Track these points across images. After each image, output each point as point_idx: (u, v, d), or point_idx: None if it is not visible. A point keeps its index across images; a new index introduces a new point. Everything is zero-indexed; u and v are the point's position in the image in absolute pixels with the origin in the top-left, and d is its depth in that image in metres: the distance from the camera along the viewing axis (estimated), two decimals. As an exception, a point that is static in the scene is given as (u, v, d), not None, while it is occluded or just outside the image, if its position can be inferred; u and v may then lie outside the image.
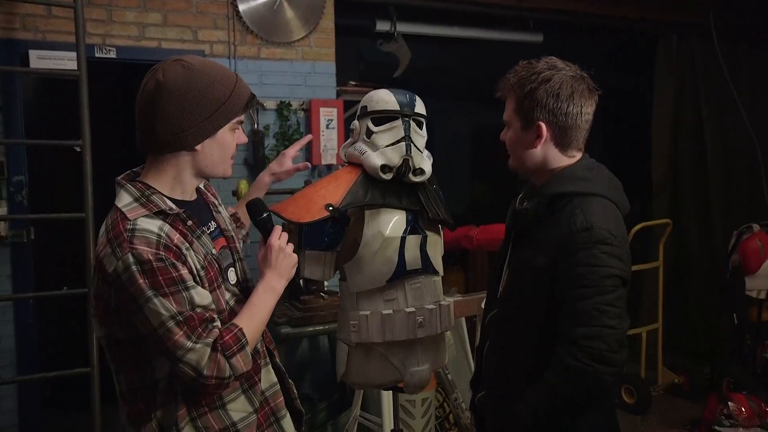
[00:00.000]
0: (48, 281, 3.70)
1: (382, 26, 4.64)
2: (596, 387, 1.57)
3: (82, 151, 3.26)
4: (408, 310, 2.15)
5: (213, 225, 1.74)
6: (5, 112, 3.52)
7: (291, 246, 1.75)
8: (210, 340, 1.49)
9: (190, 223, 1.61)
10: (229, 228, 1.81)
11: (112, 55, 3.72)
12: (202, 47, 3.92)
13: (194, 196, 1.72)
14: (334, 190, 2.13)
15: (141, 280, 1.45)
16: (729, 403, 3.89)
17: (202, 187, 1.82)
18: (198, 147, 1.60)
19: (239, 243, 1.84)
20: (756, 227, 4.47)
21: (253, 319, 1.63)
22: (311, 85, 4.22)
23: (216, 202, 1.85)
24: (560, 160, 1.76)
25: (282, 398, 1.80)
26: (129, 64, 3.89)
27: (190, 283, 1.51)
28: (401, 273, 2.13)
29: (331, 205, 2.07)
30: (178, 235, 1.55)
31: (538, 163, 1.77)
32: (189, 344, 1.47)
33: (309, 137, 2.43)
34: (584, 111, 1.72)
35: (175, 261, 1.50)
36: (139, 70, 4.59)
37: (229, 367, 1.51)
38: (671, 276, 5.33)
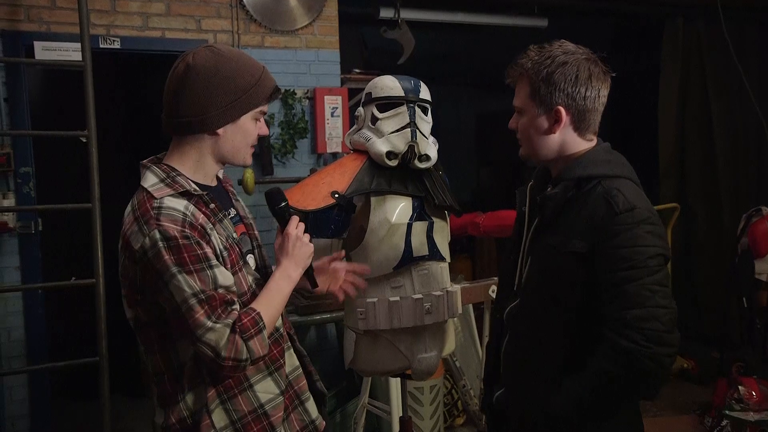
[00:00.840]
0: (56, 272, 3.72)
1: (386, 13, 4.62)
2: (656, 369, 1.53)
3: (88, 141, 3.26)
4: (415, 296, 2.15)
5: (233, 211, 1.78)
6: (11, 103, 3.52)
7: (308, 236, 1.77)
8: (230, 321, 1.52)
9: (212, 206, 1.64)
10: (248, 216, 1.85)
11: (117, 45, 3.72)
12: (205, 37, 3.91)
13: (215, 182, 1.75)
14: (340, 178, 2.13)
15: (167, 257, 1.49)
16: (739, 387, 3.87)
17: (221, 176, 1.85)
18: (220, 131, 1.64)
19: (257, 232, 1.86)
20: (765, 210, 4.44)
21: (271, 304, 1.65)
22: (315, 74, 4.21)
23: (233, 191, 1.88)
24: (579, 144, 1.73)
25: (305, 381, 1.82)
26: (133, 54, 3.89)
27: (214, 261, 1.54)
28: (408, 259, 2.12)
29: (336, 192, 2.07)
30: (202, 215, 1.58)
31: (555, 149, 1.73)
32: (209, 323, 1.49)
33: None
34: (601, 94, 1.70)
35: (199, 239, 1.53)
36: (144, 60, 4.62)
37: (247, 350, 1.53)
38: (679, 260, 5.31)
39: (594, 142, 1.75)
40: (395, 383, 3.17)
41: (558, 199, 1.69)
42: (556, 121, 1.70)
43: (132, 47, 3.77)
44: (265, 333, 1.59)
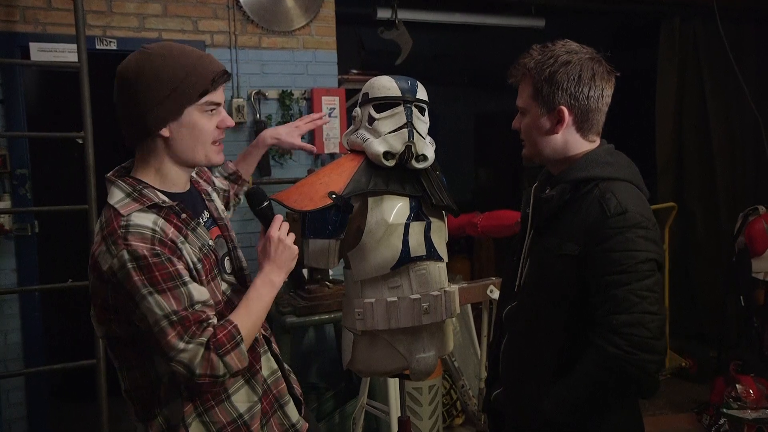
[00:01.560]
0: (53, 274, 3.71)
1: (383, 14, 4.62)
2: (640, 376, 1.51)
3: (84, 142, 3.25)
4: (413, 297, 2.14)
5: (206, 215, 1.72)
6: (7, 105, 3.51)
7: (292, 237, 1.71)
8: (204, 339, 1.47)
9: (184, 216, 1.58)
10: (222, 216, 1.79)
11: (113, 46, 3.72)
12: (202, 38, 3.90)
13: (187, 187, 1.69)
14: (337, 178, 2.12)
15: (137, 277, 1.43)
16: (737, 385, 3.89)
17: (194, 175, 1.80)
18: (164, 132, 1.56)
19: (232, 231, 1.82)
20: (762, 209, 4.45)
21: (250, 314, 1.60)
22: (313, 74, 4.21)
23: (208, 189, 1.82)
24: (581, 145, 1.71)
25: (284, 384, 1.79)
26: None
27: (187, 278, 1.49)
28: (405, 260, 2.12)
29: (334, 192, 2.06)
30: (172, 229, 1.53)
31: (558, 150, 1.72)
32: (181, 345, 1.45)
33: (323, 120, 2.37)
34: (605, 94, 1.68)
35: (171, 256, 1.47)
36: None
37: (223, 365, 1.49)
38: (677, 259, 5.32)
39: (597, 143, 1.74)
40: (394, 383, 3.17)
41: (554, 202, 1.68)
42: (558, 121, 1.68)
43: (129, 48, 3.75)
44: (243, 346, 1.54)
